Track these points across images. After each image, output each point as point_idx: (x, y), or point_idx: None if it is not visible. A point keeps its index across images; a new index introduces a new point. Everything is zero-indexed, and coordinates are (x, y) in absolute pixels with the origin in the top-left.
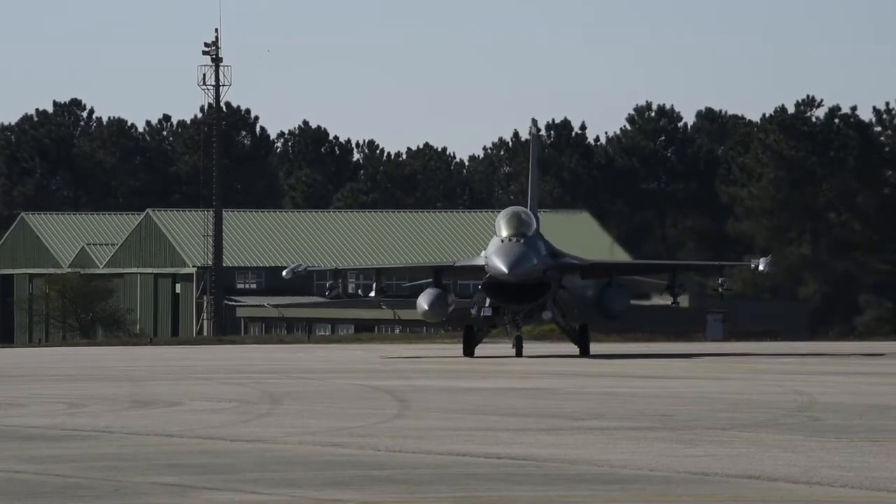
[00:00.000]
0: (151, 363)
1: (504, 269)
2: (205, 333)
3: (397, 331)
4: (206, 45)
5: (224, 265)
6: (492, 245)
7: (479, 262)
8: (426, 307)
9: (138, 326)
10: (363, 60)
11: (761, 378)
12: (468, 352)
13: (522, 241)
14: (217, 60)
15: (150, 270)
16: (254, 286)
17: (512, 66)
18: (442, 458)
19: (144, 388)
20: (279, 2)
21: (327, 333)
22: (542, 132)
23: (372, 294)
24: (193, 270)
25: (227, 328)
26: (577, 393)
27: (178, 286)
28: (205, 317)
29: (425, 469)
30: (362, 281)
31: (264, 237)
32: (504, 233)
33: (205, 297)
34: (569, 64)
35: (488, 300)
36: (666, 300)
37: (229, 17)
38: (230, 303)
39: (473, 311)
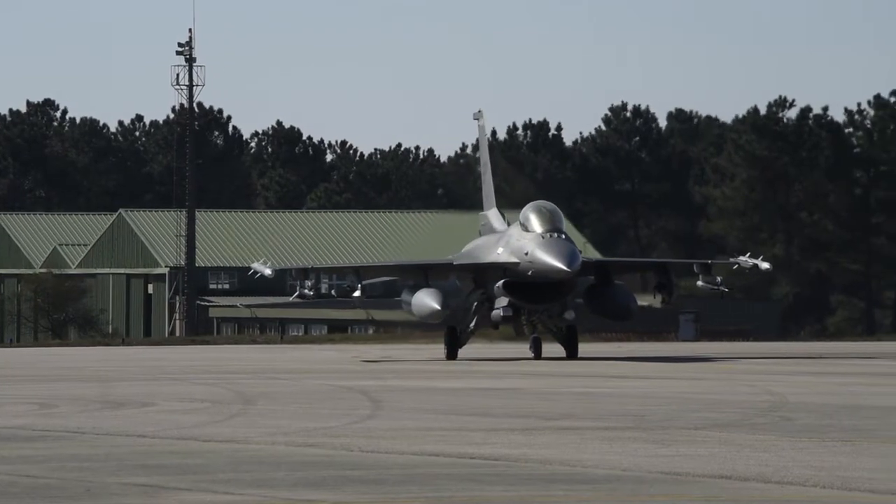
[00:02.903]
0: (124, 363)
1: (562, 265)
2: (177, 334)
3: (371, 331)
4: (180, 45)
5: (197, 265)
6: (528, 241)
7: (500, 258)
8: (437, 307)
9: (111, 327)
10: (336, 61)
11: (734, 378)
12: (451, 354)
13: (564, 236)
14: (191, 60)
15: (122, 271)
16: (226, 286)
17: (488, 67)
18: (414, 458)
19: (116, 388)
20: (253, 2)
21: (300, 334)
22: (519, 132)
23: (357, 294)
24: (166, 271)
25: (200, 328)
26: (549, 393)
27: (150, 286)
28: (177, 317)
29: (398, 469)
30: (335, 281)
31: (237, 237)
32: (539, 228)
33: (177, 298)
34: (546, 65)
35: (507, 300)
36: (645, 299)
37: (203, 18)
38: (203, 303)
39: (494, 313)
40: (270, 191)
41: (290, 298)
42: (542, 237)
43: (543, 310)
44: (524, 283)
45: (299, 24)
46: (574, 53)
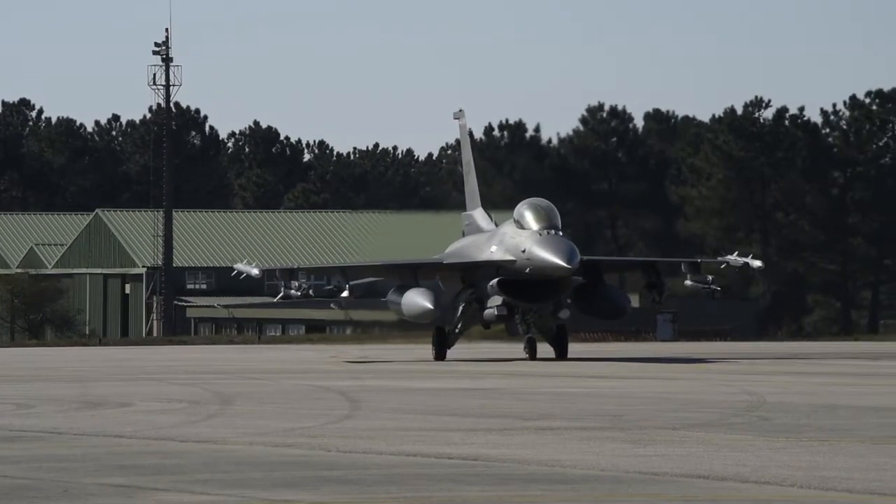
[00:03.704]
0: (101, 364)
1: (562, 262)
2: (154, 334)
3: (348, 331)
4: (157, 44)
5: (174, 265)
6: (525, 238)
7: (494, 256)
8: (430, 306)
9: (88, 327)
10: (313, 61)
11: (711, 378)
12: (440, 355)
13: (562, 234)
14: (167, 60)
15: (99, 271)
16: (204, 286)
17: (465, 67)
18: (392, 458)
19: (93, 388)
20: (230, 2)
21: (278, 334)
22: (496, 133)
23: (345, 294)
24: (143, 271)
25: (177, 328)
26: (527, 393)
27: (127, 286)
28: (154, 317)
29: (376, 469)
30: (313, 281)
31: (214, 237)
32: (535, 225)
33: (155, 298)
34: (523, 65)
35: (501, 298)
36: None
37: (180, 18)
38: (180, 303)
39: (487, 312)
40: (248, 191)
41: (275, 299)
42: (540, 234)
43: (538, 309)
44: (520, 281)
45: (276, 24)
46: (551, 54)
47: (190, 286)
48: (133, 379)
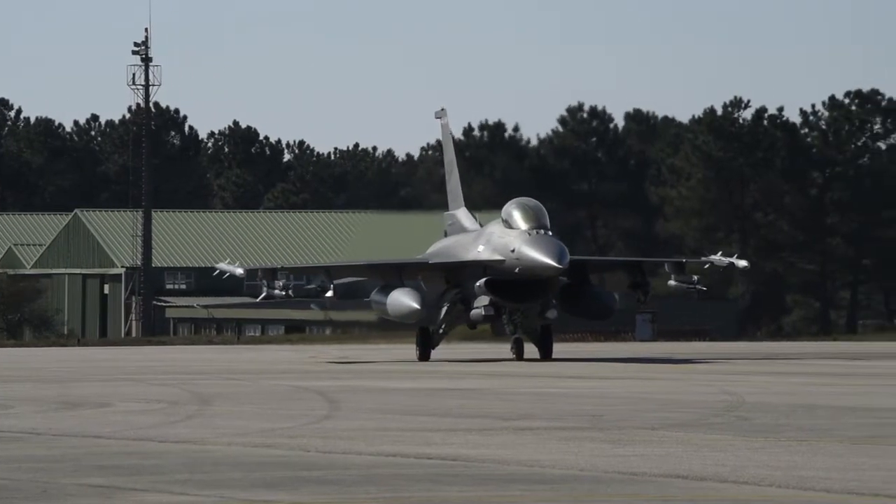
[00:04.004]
0: (80, 364)
1: (553, 262)
2: (133, 334)
3: (328, 331)
4: (136, 44)
5: (153, 265)
6: (514, 238)
7: (481, 256)
8: (416, 306)
9: (66, 327)
10: (293, 61)
11: (690, 378)
12: (424, 355)
13: (551, 233)
14: (147, 60)
15: (78, 271)
16: (183, 287)
17: (445, 67)
18: (372, 458)
19: (72, 389)
20: (210, 2)
21: (257, 334)
22: (476, 133)
23: (329, 294)
24: (122, 271)
25: (156, 329)
26: (507, 393)
27: (106, 287)
28: (133, 317)
29: (355, 470)
30: (293, 281)
31: (194, 237)
32: (524, 225)
33: (133, 298)
34: (503, 66)
35: (488, 298)
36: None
37: (159, 17)
38: (159, 303)
39: (474, 312)
40: (227, 191)
41: (257, 299)
42: (529, 234)
43: (526, 309)
44: (507, 281)
45: (256, 24)
46: (531, 54)
47: (169, 286)
48: (112, 379)
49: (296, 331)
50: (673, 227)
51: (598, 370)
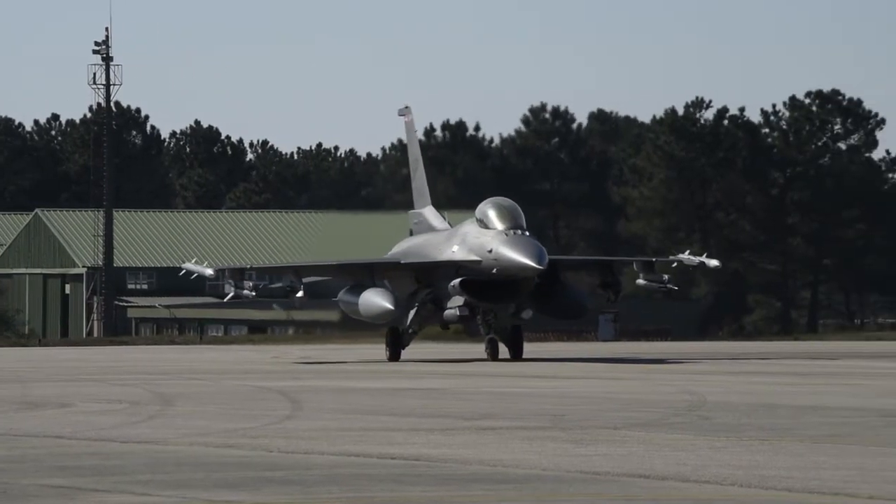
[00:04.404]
0: (41, 364)
1: (533, 263)
2: (95, 334)
3: (290, 331)
4: (97, 44)
5: (115, 265)
6: (490, 238)
7: (456, 256)
8: (389, 306)
9: (27, 327)
10: (255, 60)
11: (653, 378)
12: (394, 356)
13: (528, 234)
14: (107, 59)
15: (39, 271)
16: (145, 286)
17: (406, 67)
18: (334, 458)
19: (33, 389)
20: (171, 1)
21: (219, 334)
22: (438, 132)
23: (300, 294)
24: (83, 271)
25: (118, 329)
26: (469, 393)
27: (67, 287)
28: (95, 317)
29: (318, 470)
30: (255, 280)
31: (155, 237)
32: (500, 225)
33: (95, 298)
34: (464, 66)
35: (463, 299)
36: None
37: (120, 16)
38: (121, 303)
39: (448, 313)
40: (189, 190)
41: (225, 299)
42: (506, 234)
43: (500, 309)
44: (483, 281)
45: (217, 23)
46: (493, 54)
47: (131, 286)
48: (73, 380)
49: (258, 331)
50: (635, 228)
51: (561, 370)
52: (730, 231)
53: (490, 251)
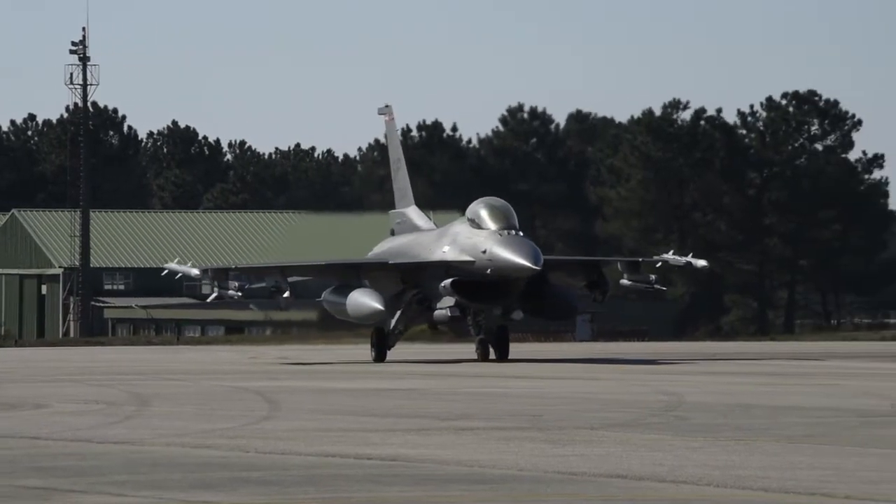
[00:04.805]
0: (17, 365)
1: (529, 263)
2: (71, 335)
3: (268, 332)
4: (74, 44)
5: (91, 266)
6: (484, 238)
7: (447, 256)
8: (379, 307)
9: (3, 328)
10: (233, 60)
11: (629, 378)
12: (380, 357)
13: (522, 234)
14: (84, 59)
15: (15, 271)
16: (122, 287)
17: (384, 67)
18: (312, 459)
19: (9, 390)
20: (148, 1)
21: (197, 335)
22: (414, 133)
23: (286, 295)
24: (60, 271)
25: (95, 329)
26: (448, 393)
27: (44, 287)
28: (71, 318)
29: (295, 470)
30: (239, 281)
31: (132, 238)
32: (493, 225)
33: (72, 298)
34: (442, 66)
35: (454, 299)
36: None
37: (97, 16)
38: (97, 304)
39: (438, 313)
40: (166, 191)
41: (208, 300)
42: (500, 234)
43: (492, 310)
44: (475, 282)
45: (194, 23)
46: (471, 55)
47: (108, 287)
48: (50, 380)
49: (236, 331)
50: (612, 228)
51: (541, 370)
52: (706, 231)
53: (484, 251)
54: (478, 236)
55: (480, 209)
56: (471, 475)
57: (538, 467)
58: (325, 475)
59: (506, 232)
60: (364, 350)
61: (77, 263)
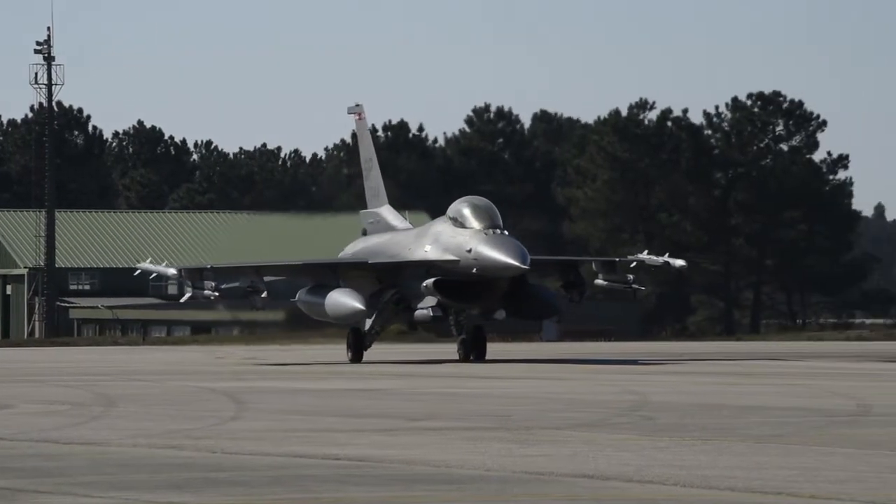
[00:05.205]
0: None
1: (517, 262)
2: (37, 335)
3: (235, 332)
4: (38, 43)
5: (57, 266)
6: (469, 238)
7: (429, 256)
8: (360, 306)
9: None
10: (199, 60)
11: (596, 378)
12: (356, 357)
13: (507, 233)
14: (49, 59)
15: None
16: (87, 287)
17: (348, 67)
18: (279, 459)
19: None
20: (113, 0)
21: (163, 335)
22: (380, 133)
23: (264, 295)
24: (25, 271)
25: (60, 330)
26: (416, 393)
27: (8, 287)
28: (37, 318)
29: (262, 471)
30: (212, 280)
31: (98, 238)
32: (477, 224)
33: (37, 299)
34: (408, 66)
35: (436, 299)
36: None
37: (62, 16)
38: (63, 304)
39: (420, 313)
40: (132, 191)
41: (181, 300)
42: (486, 234)
43: (474, 309)
44: (459, 282)
45: (160, 23)
46: (436, 55)
47: (73, 287)
48: (14, 381)
49: (202, 332)
50: (578, 229)
51: (510, 371)
52: (673, 232)
53: (469, 251)
54: (461, 235)
55: (463, 208)
56: (438, 475)
57: (505, 467)
58: (293, 476)
59: (491, 231)
60: (333, 350)
61: (42, 263)
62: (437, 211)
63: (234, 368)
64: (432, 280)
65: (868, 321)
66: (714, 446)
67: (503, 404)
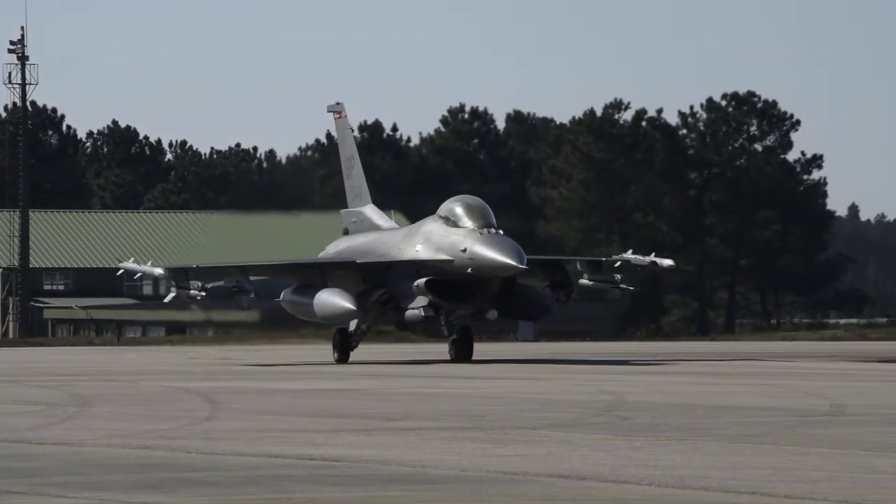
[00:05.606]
0: None
1: (514, 262)
2: (10, 335)
3: (210, 332)
4: (12, 43)
5: (31, 266)
6: (462, 237)
7: (421, 255)
8: (350, 306)
9: None
10: (173, 60)
11: (571, 378)
12: (343, 358)
13: (502, 232)
14: (23, 59)
15: None
16: (62, 287)
17: (323, 67)
18: (254, 459)
19: None
20: (87, 0)
21: (137, 335)
22: (356, 133)
23: (253, 295)
24: None
25: (34, 330)
26: (389, 393)
27: None
28: (11, 318)
29: (237, 471)
30: (196, 280)
31: (72, 238)
32: (470, 223)
33: (11, 299)
34: (383, 66)
35: (427, 299)
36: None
37: (35, 15)
38: (37, 304)
39: (411, 313)
40: (106, 191)
41: (165, 300)
42: (480, 233)
43: (466, 309)
44: (451, 281)
45: (135, 23)
46: (412, 55)
47: (47, 287)
48: None
49: (177, 332)
50: (553, 229)
51: (485, 371)
52: (648, 232)
53: (464, 250)
54: (455, 235)
55: (456, 207)
56: (413, 476)
57: (480, 467)
58: (268, 476)
59: (486, 230)
60: (312, 350)
61: (16, 263)
62: (412, 211)
63: (209, 369)
64: (424, 280)
65: (842, 321)
66: (689, 446)
67: (479, 404)
